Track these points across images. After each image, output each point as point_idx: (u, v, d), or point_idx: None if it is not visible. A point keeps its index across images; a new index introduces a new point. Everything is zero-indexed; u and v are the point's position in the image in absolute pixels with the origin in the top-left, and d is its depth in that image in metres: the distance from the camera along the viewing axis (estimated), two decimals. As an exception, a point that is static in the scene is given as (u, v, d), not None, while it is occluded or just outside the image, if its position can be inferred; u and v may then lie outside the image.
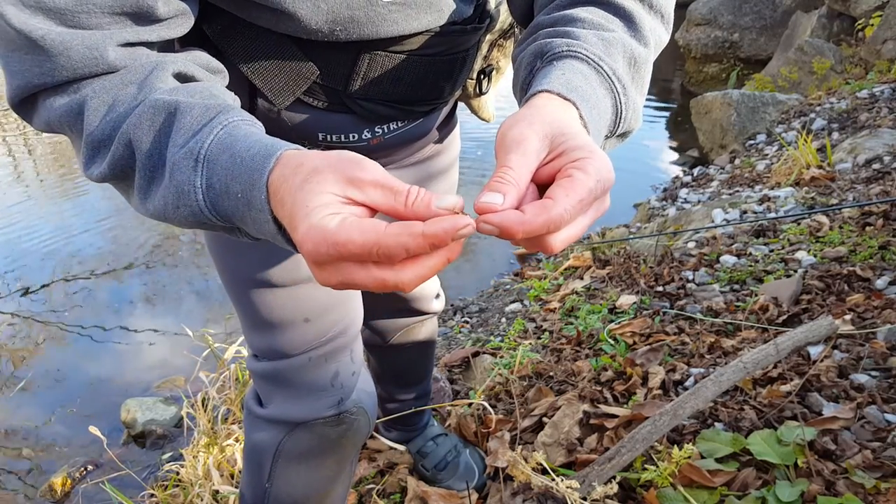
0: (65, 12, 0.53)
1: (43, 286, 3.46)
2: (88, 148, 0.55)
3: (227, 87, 0.73)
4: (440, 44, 0.76)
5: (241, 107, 0.78)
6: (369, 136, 0.82)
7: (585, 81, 0.55)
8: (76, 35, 0.53)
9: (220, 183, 0.49)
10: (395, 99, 0.79)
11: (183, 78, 0.59)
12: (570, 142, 0.48)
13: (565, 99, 0.52)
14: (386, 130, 0.83)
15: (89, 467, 2.16)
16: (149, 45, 0.59)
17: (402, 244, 0.40)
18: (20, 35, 0.52)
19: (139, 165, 0.53)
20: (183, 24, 0.61)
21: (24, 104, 0.57)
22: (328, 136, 0.81)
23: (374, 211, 0.45)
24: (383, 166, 1.01)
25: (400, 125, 0.84)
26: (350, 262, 0.42)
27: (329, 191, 0.43)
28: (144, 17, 0.56)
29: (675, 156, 4.77)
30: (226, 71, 0.65)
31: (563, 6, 0.66)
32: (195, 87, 0.56)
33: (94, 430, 1.55)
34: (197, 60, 0.61)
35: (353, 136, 0.81)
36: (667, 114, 5.99)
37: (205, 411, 1.73)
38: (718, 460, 1.13)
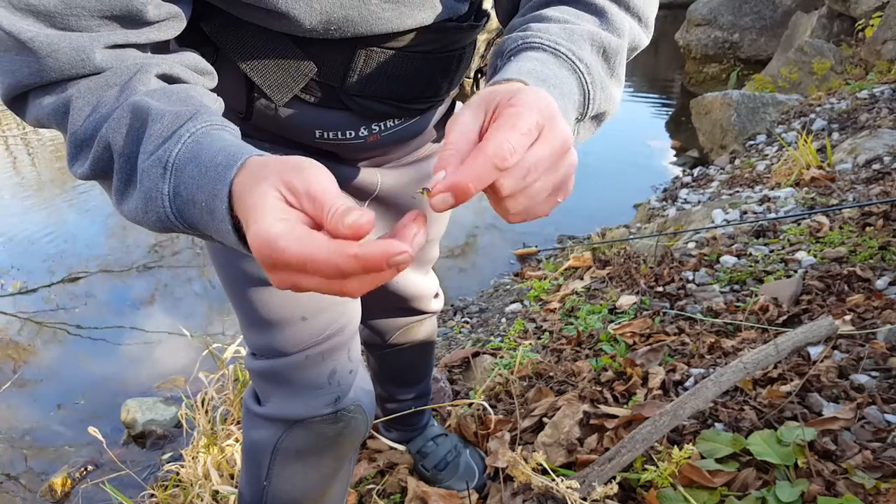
0: (54, 15, 0.54)
1: (43, 286, 3.46)
2: (72, 146, 0.57)
3: (225, 84, 0.74)
4: (436, 41, 0.76)
5: (239, 104, 0.78)
6: (366, 133, 0.82)
7: (541, 65, 0.56)
8: (64, 37, 0.54)
9: (187, 192, 0.50)
10: (391, 96, 0.79)
11: (167, 79, 0.59)
12: (500, 92, 0.49)
13: (511, 81, 0.53)
14: (383, 128, 0.83)
15: (89, 467, 2.15)
16: (138, 46, 0.60)
17: (333, 263, 0.40)
18: (10, 36, 0.53)
19: (117, 168, 0.54)
20: (174, 26, 0.61)
21: (16, 101, 0.59)
22: (325, 134, 0.81)
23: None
24: (381, 165, 1.01)
25: (397, 123, 0.84)
26: (292, 270, 0.43)
27: (271, 193, 0.44)
28: (133, 20, 0.57)
29: (675, 156, 4.77)
30: (215, 73, 0.66)
31: (536, 6, 0.67)
32: (173, 89, 0.57)
33: (93, 430, 1.55)
34: (185, 62, 0.62)
35: (350, 134, 0.81)
36: (667, 114, 5.99)
37: (204, 412, 1.73)
38: (718, 460, 1.13)
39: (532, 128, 0.46)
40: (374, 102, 0.78)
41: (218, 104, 0.61)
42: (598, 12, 0.64)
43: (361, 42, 0.72)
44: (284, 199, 0.44)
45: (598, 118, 0.62)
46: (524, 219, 0.50)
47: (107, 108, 0.55)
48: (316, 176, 0.44)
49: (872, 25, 4.45)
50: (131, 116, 0.53)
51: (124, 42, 0.57)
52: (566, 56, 0.57)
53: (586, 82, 0.58)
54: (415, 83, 0.79)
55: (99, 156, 0.55)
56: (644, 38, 0.69)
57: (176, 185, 0.50)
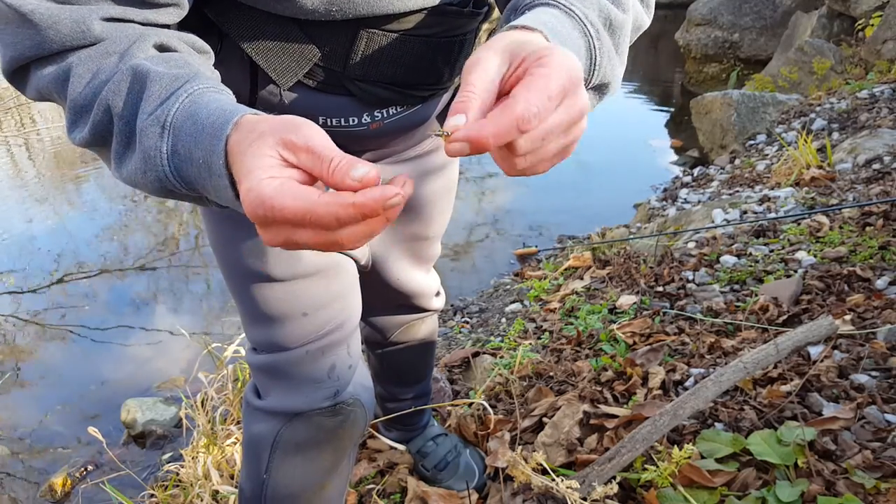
0: None
1: (43, 286, 3.46)
2: (72, 112, 0.58)
3: (230, 73, 0.74)
4: (438, 24, 0.77)
5: (243, 93, 0.79)
6: (369, 120, 0.83)
7: (555, 20, 0.56)
8: (64, 10, 0.55)
9: (185, 149, 0.51)
10: (393, 81, 0.79)
11: (164, 49, 0.60)
12: (529, 47, 0.49)
13: (531, 30, 0.53)
14: (385, 115, 0.83)
15: (89, 467, 2.15)
16: (135, 24, 0.60)
17: (332, 213, 0.42)
18: (11, 9, 0.55)
19: (116, 130, 0.55)
20: (173, 14, 0.62)
21: (17, 74, 0.60)
22: (328, 120, 0.82)
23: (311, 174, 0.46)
24: (382, 158, 1.01)
25: (399, 110, 0.84)
26: (287, 225, 0.44)
27: (268, 154, 0.45)
28: None
29: (675, 156, 4.77)
30: (212, 53, 0.67)
31: None
32: (171, 56, 0.58)
33: (93, 430, 1.55)
34: (183, 38, 0.63)
35: (353, 121, 0.82)
36: (667, 114, 5.99)
37: (204, 412, 1.73)
38: (718, 460, 1.13)
39: (559, 93, 0.46)
40: (376, 87, 0.79)
41: (215, 74, 0.62)
42: None
43: (364, 24, 0.73)
44: (281, 157, 0.45)
45: (600, 90, 0.62)
46: (524, 175, 0.50)
47: (106, 73, 0.56)
48: (314, 131, 0.46)
49: (872, 25, 4.45)
50: (131, 79, 0.54)
51: (121, 16, 0.58)
52: (578, 17, 0.57)
53: (594, 47, 0.58)
54: (417, 68, 0.80)
55: (99, 119, 0.56)
56: (646, 19, 0.69)
57: (174, 143, 0.51)
